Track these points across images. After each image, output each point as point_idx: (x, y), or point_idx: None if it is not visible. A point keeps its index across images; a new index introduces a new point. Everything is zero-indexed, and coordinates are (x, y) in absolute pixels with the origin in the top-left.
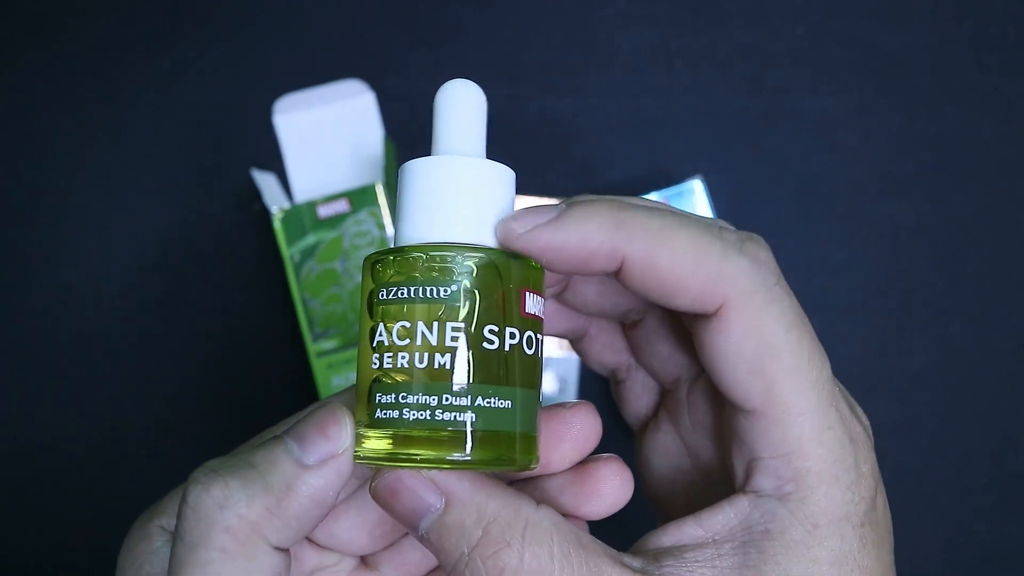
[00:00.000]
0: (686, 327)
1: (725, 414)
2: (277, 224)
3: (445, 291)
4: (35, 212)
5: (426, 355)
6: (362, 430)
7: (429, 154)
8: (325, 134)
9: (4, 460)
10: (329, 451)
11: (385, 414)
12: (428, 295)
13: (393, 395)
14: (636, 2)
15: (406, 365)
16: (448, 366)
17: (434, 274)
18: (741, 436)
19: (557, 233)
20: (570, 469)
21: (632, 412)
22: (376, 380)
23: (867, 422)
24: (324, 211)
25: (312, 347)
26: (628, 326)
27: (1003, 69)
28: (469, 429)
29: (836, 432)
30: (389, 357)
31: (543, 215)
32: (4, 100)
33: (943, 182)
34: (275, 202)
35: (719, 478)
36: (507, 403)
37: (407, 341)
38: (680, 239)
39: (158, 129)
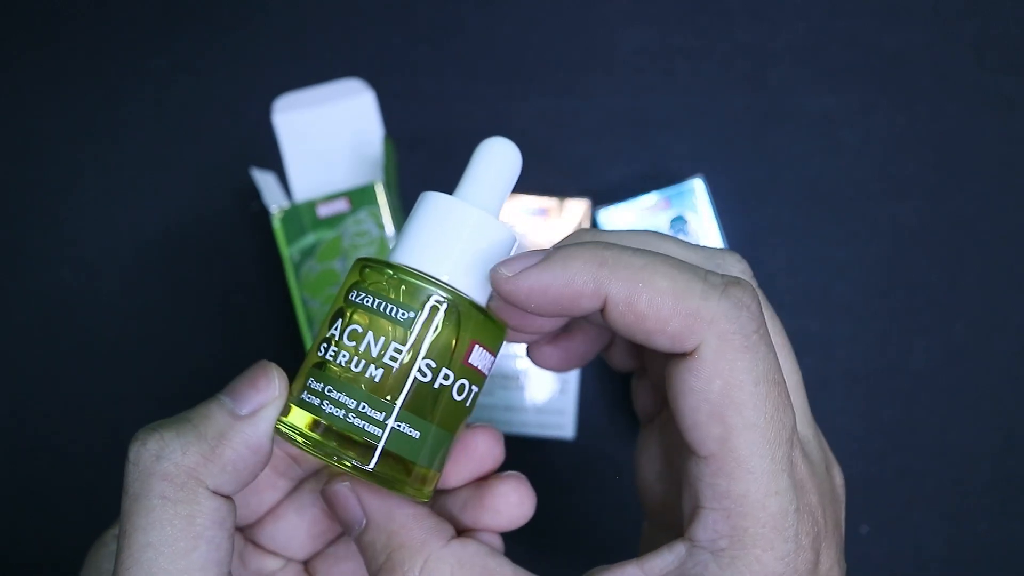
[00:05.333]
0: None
1: (682, 455)
2: (276, 224)
3: (404, 314)
4: (35, 212)
5: (363, 362)
6: (291, 402)
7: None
8: (325, 133)
9: (4, 460)
10: (260, 401)
11: (311, 399)
12: (388, 312)
13: (323, 385)
14: (636, 0)
15: (344, 364)
16: (377, 380)
17: (402, 297)
18: (690, 480)
19: (543, 274)
20: (472, 484)
21: (640, 410)
22: (316, 365)
23: (840, 481)
24: (323, 210)
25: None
26: None
27: (1005, 68)
28: (381, 445)
29: (782, 499)
30: (333, 351)
31: (531, 259)
32: (3, 100)
33: (945, 182)
34: (274, 201)
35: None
36: (417, 434)
37: (354, 344)
38: (661, 278)
39: (157, 128)
